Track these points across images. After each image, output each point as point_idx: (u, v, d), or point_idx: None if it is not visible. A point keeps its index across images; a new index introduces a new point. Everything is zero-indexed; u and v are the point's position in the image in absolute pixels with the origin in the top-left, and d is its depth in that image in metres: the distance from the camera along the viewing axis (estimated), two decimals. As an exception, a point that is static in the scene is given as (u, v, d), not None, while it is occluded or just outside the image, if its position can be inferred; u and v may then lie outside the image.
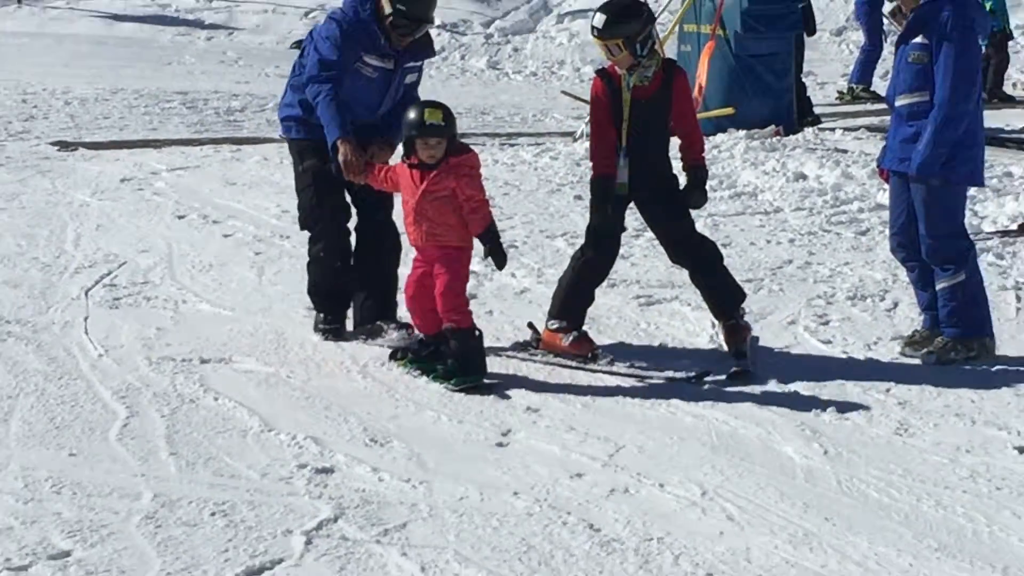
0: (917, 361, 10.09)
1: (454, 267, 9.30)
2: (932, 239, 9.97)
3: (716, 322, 10.37)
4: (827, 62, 29.11)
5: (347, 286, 10.71)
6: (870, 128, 20.66)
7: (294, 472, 8.09)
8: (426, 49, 10.56)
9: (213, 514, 7.47)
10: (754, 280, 12.16)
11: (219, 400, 9.33)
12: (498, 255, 9.36)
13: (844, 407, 9.16)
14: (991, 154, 13.43)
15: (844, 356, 10.31)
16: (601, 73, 10.22)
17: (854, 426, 8.84)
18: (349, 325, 10.75)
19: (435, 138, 9.17)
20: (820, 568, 6.83)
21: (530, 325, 10.39)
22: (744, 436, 8.71)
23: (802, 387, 9.59)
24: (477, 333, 9.43)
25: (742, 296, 10.32)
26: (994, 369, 9.87)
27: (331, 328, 10.61)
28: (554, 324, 10.12)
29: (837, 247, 13.67)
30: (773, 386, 9.62)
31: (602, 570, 6.84)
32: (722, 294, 10.22)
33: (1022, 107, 23.50)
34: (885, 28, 24.44)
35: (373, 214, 10.74)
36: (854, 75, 25.34)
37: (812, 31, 22.70)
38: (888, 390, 9.49)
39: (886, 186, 10.87)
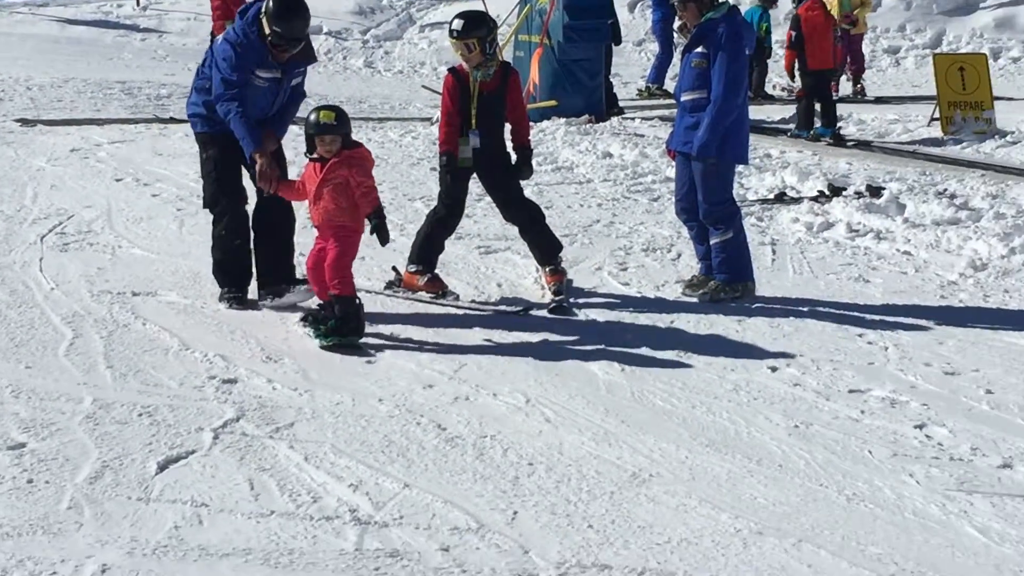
0: (695, 300, 10.15)
1: (344, 244, 8.90)
2: (708, 205, 10.08)
3: (539, 268, 10.37)
4: (630, 66, 29.12)
5: (247, 262, 9.95)
6: (662, 118, 20.72)
7: (205, 382, 8.04)
8: (307, 57, 9.90)
9: (140, 415, 7.42)
10: (569, 235, 12.15)
11: (147, 325, 9.22)
12: (382, 232, 8.88)
13: (639, 335, 9.20)
14: (755, 140, 13.54)
15: (639, 295, 10.35)
16: (452, 71, 10.23)
17: (646, 349, 8.88)
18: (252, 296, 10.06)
19: (329, 135, 8.90)
20: (616, 459, 6.87)
21: (394, 268, 10.36)
22: (560, 357, 8.73)
23: (606, 318, 9.62)
24: (358, 301, 8.98)
25: (560, 247, 10.34)
26: (754, 306, 9.95)
27: (234, 296, 9.87)
28: (412, 268, 10.12)
29: (634, 210, 13.70)
30: (583, 318, 9.66)
31: (447, 460, 6.85)
32: (544, 245, 10.24)
33: (779, 104, 23.65)
34: (675, 40, 24.49)
35: (266, 199, 9.87)
36: (650, 77, 25.41)
37: (618, 41, 22.74)
38: (672, 322, 9.56)
39: (672, 163, 10.92)
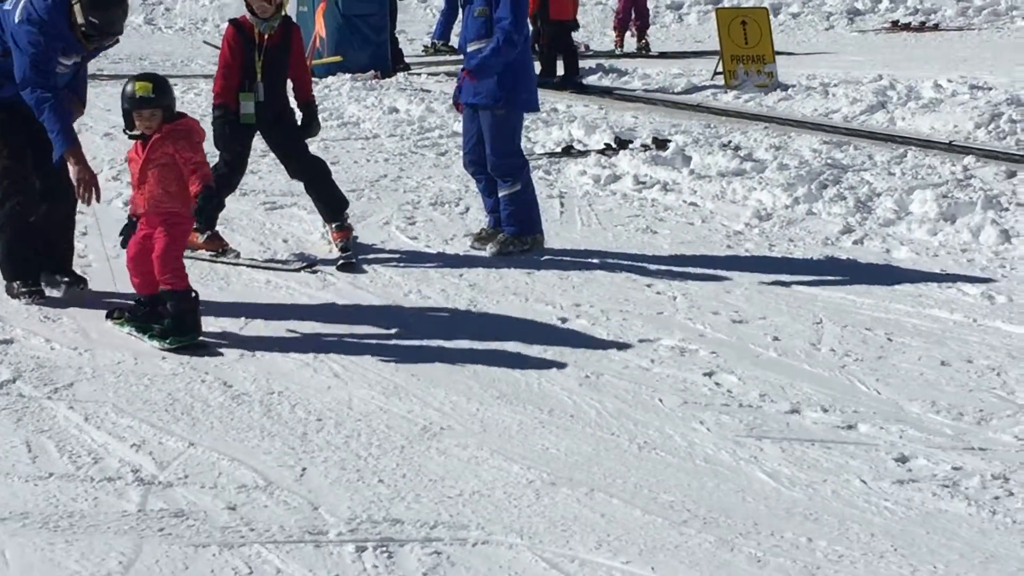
0: (484, 253, 10.10)
1: (173, 232, 7.83)
2: (496, 157, 10.02)
3: (326, 224, 10.22)
4: (415, 23, 29.04)
5: (38, 246, 8.77)
6: (448, 74, 20.68)
7: (-24, 345, 7.77)
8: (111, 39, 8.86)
9: (-92, 379, 7.13)
10: (356, 190, 12.03)
11: (-89, 289, 8.89)
12: (202, 214, 8.21)
13: (427, 288, 9.12)
14: (543, 95, 13.50)
15: (427, 249, 10.27)
16: (234, 22, 10.04)
17: (435, 302, 8.82)
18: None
19: (148, 109, 7.83)
20: (407, 413, 6.79)
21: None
22: (345, 311, 8.63)
23: (394, 273, 9.53)
24: (193, 295, 7.89)
25: (346, 203, 10.21)
26: (543, 259, 9.94)
27: (32, 290, 8.68)
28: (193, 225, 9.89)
29: (422, 165, 13.63)
30: (371, 273, 9.54)
31: (233, 417, 6.69)
32: (330, 201, 10.11)
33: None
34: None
35: (47, 168, 8.67)
36: (436, 33, 25.36)
37: (403, -4, 22.72)
38: (461, 275, 9.49)
39: (460, 116, 10.86)
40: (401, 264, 9.81)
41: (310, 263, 9.73)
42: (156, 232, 7.84)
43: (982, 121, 15.48)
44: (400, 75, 20.79)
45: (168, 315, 7.85)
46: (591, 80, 20.87)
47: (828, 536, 5.46)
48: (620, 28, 25.51)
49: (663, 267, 9.80)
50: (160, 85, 7.97)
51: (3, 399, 6.86)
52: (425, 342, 7.99)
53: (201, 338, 7.86)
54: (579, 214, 11.53)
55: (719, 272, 9.66)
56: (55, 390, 7.02)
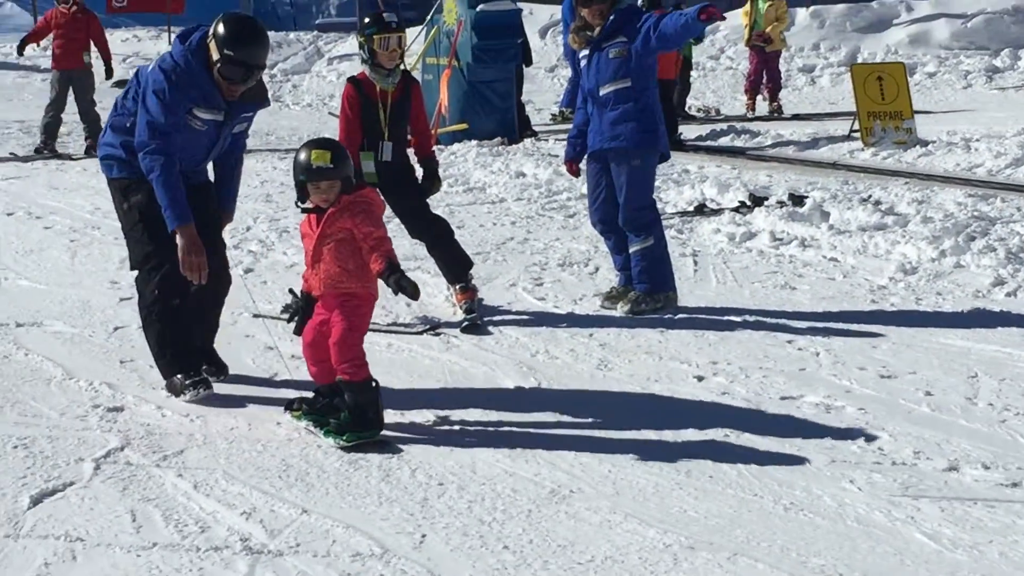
0: (615, 312, 9.71)
1: (353, 316, 6.95)
2: (630, 210, 9.68)
3: (449, 286, 9.90)
4: (542, 92, 28.80)
5: (191, 330, 7.96)
6: (576, 139, 20.36)
7: (89, 411, 7.54)
8: (260, 98, 8.11)
9: (15, 447, 6.89)
10: (482, 252, 11.72)
11: (29, 355, 8.68)
12: (406, 288, 6.84)
13: (555, 349, 8.74)
14: (674, 156, 13.08)
15: (555, 310, 9.90)
16: (353, 80, 9.80)
17: (562, 363, 8.43)
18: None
19: (325, 181, 6.89)
20: (534, 476, 6.41)
21: (291, 291, 9.74)
22: (473, 373, 8.27)
23: (521, 334, 9.16)
24: (374, 384, 6.99)
25: (470, 264, 9.89)
26: (677, 317, 9.53)
27: (196, 381, 7.75)
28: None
29: (549, 227, 13.27)
30: (497, 335, 9.18)
31: (349, 483, 6.35)
32: (453, 263, 9.81)
33: (697, 124, 23.26)
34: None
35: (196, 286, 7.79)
36: (563, 101, 25.04)
37: (529, 62, 22.51)
38: (591, 335, 9.10)
39: (575, 178, 10.71)
40: (528, 325, 9.44)
41: (433, 325, 9.41)
42: (334, 316, 6.99)
43: None
44: (527, 141, 20.53)
45: (344, 407, 6.98)
46: (723, 142, 20.44)
47: (999, 602, 4.97)
48: (752, 91, 25.04)
49: (804, 323, 9.32)
50: (338, 153, 6.98)
51: (110, 467, 6.57)
52: (553, 402, 7.60)
53: (384, 432, 7.02)
54: (713, 272, 11.10)
55: (864, 327, 9.16)
56: (164, 457, 6.73)
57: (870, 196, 14.07)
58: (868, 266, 11.12)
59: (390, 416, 7.21)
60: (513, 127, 20.86)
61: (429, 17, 22.35)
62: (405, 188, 9.81)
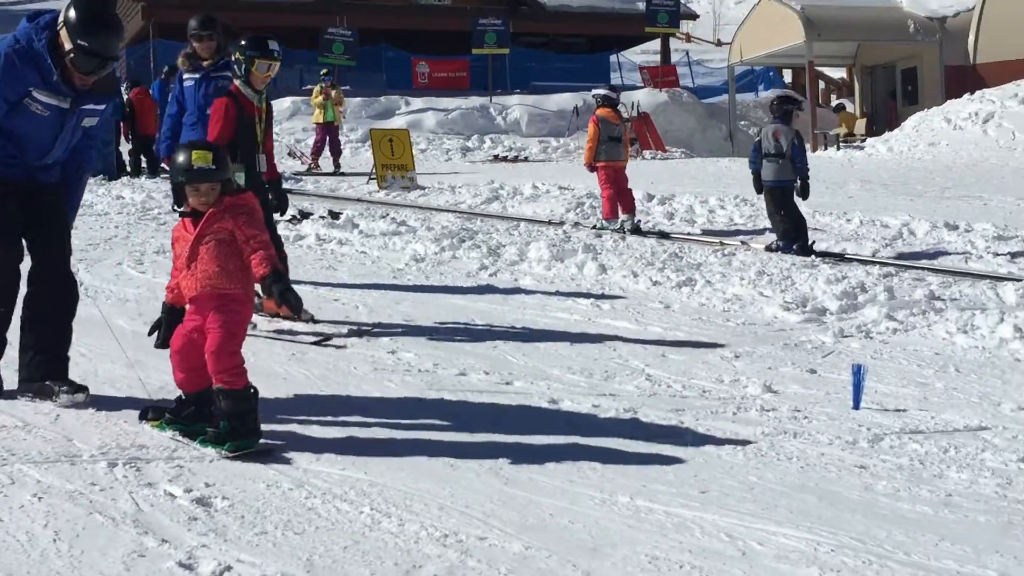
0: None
1: (230, 321, 5.13)
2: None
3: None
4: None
5: (2, 333, 5.90)
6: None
7: None
8: (108, 90, 5.92)
9: None
10: (94, 244, 11.12)
11: None
12: (290, 302, 5.12)
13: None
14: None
15: (156, 280, 9.47)
16: (229, 93, 7.96)
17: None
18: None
19: (206, 183, 5.18)
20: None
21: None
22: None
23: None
24: (252, 390, 5.15)
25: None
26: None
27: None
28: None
29: (145, 230, 12.74)
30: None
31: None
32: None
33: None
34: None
35: (51, 259, 5.86)
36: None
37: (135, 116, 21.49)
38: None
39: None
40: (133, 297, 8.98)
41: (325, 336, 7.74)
42: (209, 319, 5.15)
43: (570, 207, 15.63)
44: (125, 177, 19.68)
45: (220, 416, 5.13)
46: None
47: None
48: (315, 155, 24.76)
49: (347, 290, 9.30)
50: (218, 155, 5.25)
51: None
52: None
53: (262, 441, 5.19)
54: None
55: (391, 293, 9.24)
56: None
57: (387, 215, 14.26)
58: (389, 257, 11.26)
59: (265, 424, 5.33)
60: (113, 167, 20.04)
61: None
62: (263, 205, 7.69)
